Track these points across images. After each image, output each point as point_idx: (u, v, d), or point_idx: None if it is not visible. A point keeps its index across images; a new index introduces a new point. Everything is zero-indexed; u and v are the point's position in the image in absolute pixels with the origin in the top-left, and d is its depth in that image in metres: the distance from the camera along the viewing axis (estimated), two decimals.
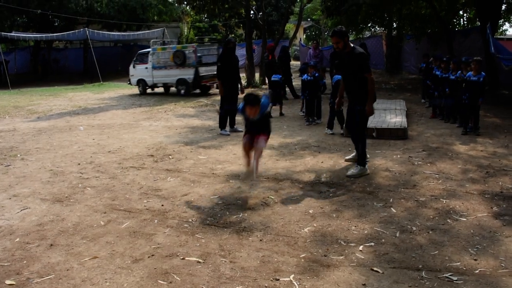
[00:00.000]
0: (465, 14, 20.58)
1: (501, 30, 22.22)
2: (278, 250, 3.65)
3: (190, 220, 4.35)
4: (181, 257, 3.57)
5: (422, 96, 12.48)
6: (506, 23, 18.50)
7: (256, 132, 5.13)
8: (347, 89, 5.97)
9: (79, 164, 6.56)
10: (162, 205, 4.77)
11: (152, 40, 18.84)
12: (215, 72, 8.81)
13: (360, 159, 5.82)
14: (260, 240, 3.84)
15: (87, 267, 3.43)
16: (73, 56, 31.24)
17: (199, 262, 3.49)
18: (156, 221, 4.35)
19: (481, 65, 8.13)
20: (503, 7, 16.44)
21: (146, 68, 16.47)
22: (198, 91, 16.12)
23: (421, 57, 18.08)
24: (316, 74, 9.32)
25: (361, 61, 5.60)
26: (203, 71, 15.55)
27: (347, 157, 6.46)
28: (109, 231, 4.11)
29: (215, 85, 15.59)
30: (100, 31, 24.84)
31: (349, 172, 5.76)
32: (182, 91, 15.81)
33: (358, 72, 5.63)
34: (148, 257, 3.59)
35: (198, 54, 15.45)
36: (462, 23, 21.14)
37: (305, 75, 9.33)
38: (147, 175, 5.93)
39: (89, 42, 23.68)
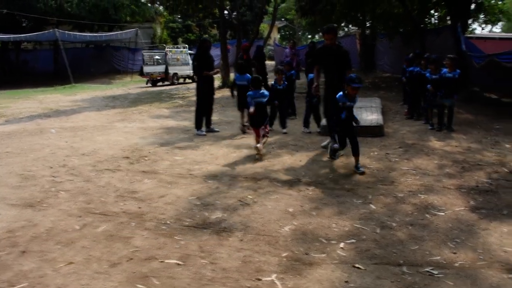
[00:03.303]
0: (436, 13, 20.98)
1: (471, 29, 22.79)
2: (259, 250, 3.60)
3: (168, 222, 4.25)
4: (160, 260, 3.48)
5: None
6: (475, 22, 18.99)
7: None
8: (329, 82, 6.61)
9: (51, 167, 6.36)
10: (139, 208, 4.65)
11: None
12: None
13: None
14: (241, 240, 3.78)
15: (62, 274, 3.30)
16: (42, 57, 30.45)
17: (179, 264, 3.41)
18: (133, 224, 4.24)
19: (456, 62, 8.28)
20: (472, 6, 16.81)
21: None
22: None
23: (394, 56, 18.29)
24: (286, 83, 8.60)
25: (348, 58, 6.57)
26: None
27: (322, 144, 6.98)
28: (85, 236, 3.98)
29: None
30: (71, 32, 24.32)
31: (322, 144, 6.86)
32: None
33: (343, 67, 6.43)
34: (126, 261, 3.48)
35: None
36: (433, 22, 21.54)
37: (274, 82, 8.50)
38: (123, 177, 5.79)
39: (60, 43, 23.12)
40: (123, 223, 4.27)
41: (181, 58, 23.29)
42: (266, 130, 6.94)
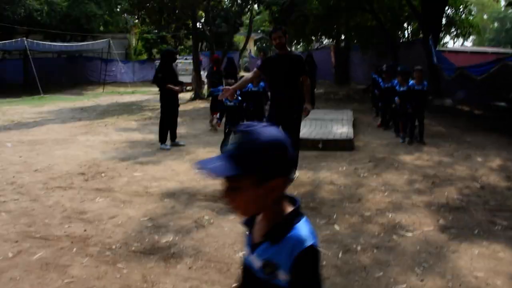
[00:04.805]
0: (409, 27, 21.21)
1: (442, 42, 23.11)
2: (208, 279, 3.25)
3: (114, 246, 3.87)
4: None
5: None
6: (447, 35, 19.25)
7: None
8: (280, 95, 5.62)
9: None
10: (85, 230, 4.26)
11: None
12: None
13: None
14: (189, 268, 3.43)
15: None
16: (11, 67, 29.39)
17: None
18: (74, 249, 3.84)
19: (422, 74, 8.16)
20: (444, 20, 17.00)
21: None
22: None
23: (368, 68, 18.33)
24: (239, 98, 7.67)
25: (301, 63, 5.59)
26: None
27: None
28: (17, 264, 3.56)
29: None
30: (41, 42, 23.56)
31: None
32: None
33: (297, 75, 5.54)
34: None
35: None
36: (406, 35, 21.76)
37: (226, 99, 7.19)
38: (74, 195, 5.37)
39: (29, 52, 22.38)
40: (64, 248, 3.87)
41: (189, 69, 23.05)
42: (216, 115, 9.09)
